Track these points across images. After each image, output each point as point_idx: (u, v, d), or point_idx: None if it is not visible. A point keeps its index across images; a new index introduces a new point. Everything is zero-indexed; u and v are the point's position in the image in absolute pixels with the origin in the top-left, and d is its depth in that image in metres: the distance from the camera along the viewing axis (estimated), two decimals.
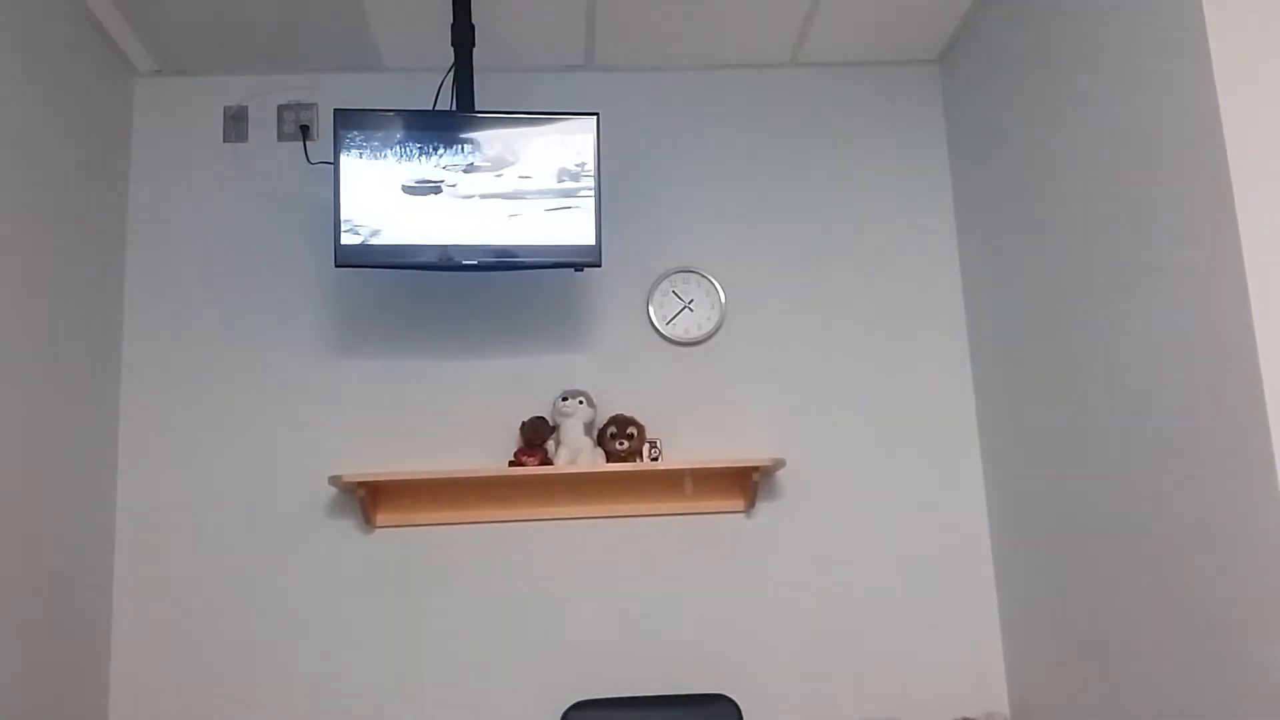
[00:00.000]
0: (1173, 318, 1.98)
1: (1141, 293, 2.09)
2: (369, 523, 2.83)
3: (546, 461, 2.79)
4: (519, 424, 2.86)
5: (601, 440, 2.82)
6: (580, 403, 2.81)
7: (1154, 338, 2.05)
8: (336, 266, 2.58)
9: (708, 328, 2.98)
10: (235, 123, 3.02)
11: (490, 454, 2.88)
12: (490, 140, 2.60)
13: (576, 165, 2.63)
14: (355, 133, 2.58)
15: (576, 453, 2.78)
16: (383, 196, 2.57)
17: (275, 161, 3.00)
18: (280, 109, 3.02)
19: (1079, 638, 2.43)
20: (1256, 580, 1.77)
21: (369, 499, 2.78)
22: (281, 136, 3.01)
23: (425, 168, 2.58)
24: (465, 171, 2.59)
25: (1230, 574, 1.84)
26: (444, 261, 2.59)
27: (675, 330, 2.97)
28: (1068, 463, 2.45)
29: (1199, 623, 1.94)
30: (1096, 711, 2.36)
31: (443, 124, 2.60)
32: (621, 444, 2.80)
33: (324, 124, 3.01)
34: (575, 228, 2.62)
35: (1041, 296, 2.55)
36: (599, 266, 2.68)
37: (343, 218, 2.56)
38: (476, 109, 2.79)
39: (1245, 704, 1.81)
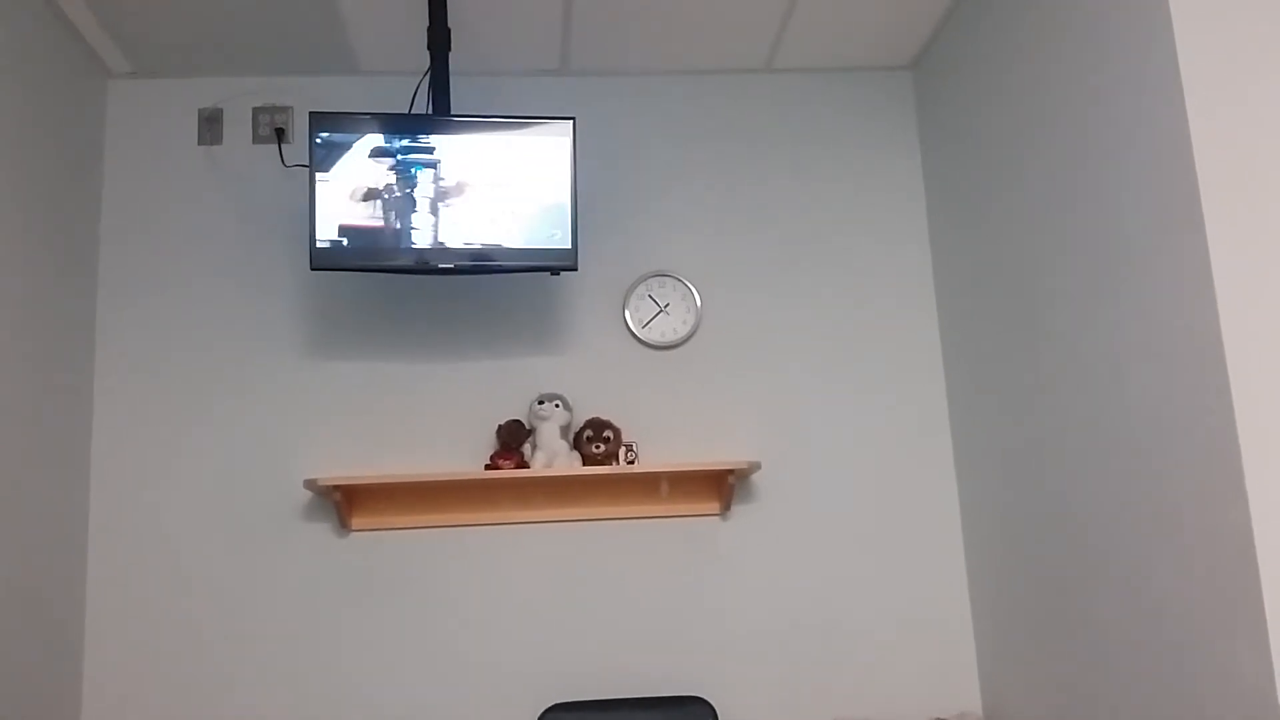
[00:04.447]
0: (1142, 319, 2.01)
1: (1111, 294, 2.12)
2: (344, 526, 2.82)
3: (523, 464, 2.80)
4: (495, 427, 2.87)
5: (578, 443, 2.83)
6: (557, 406, 2.81)
7: (1123, 338, 2.08)
8: (312, 269, 2.58)
9: (684, 331, 2.99)
10: (210, 125, 3.00)
11: (466, 457, 2.88)
12: (466, 144, 2.61)
13: (552, 169, 2.64)
14: (330, 135, 2.58)
15: (553, 456, 2.78)
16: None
17: (250, 164, 2.99)
18: (255, 111, 3.01)
19: (1051, 638, 2.45)
20: (1225, 580, 1.79)
21: (344, 502, 2.77)
22: (256, 139, 3.00)
23: None
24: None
25: (1199, 574, 1.87)
26: (420, 265, 2.59)
27: (651, 334, 2.98)
28: (1040, 464, 2.47)
29: (1169, 623, 1.97)
30: (1068, 712, 2.38)
31: (418, 127, 2.60)
32: (598, 447, 2.80)
33: (299, 127, 3.00)
34: (551, 232, 2.63)
35: (1013, 300, 2.58)
36: (575, 270, 2.69)
37: (317, 221, 2.55)
38: (452, 113, 2.79)
39: (1214, 703, 1.84)
